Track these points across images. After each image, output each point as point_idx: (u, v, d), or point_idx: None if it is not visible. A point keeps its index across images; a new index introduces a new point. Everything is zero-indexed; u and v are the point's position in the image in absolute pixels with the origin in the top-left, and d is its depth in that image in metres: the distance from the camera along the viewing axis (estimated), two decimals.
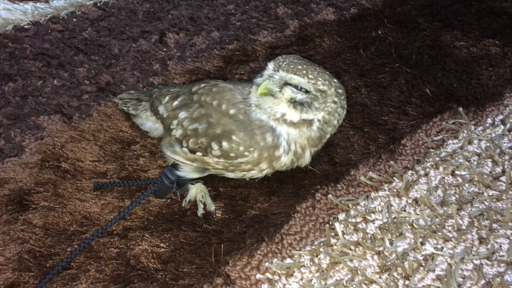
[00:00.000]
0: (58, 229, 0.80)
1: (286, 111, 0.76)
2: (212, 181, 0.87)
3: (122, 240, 0.79)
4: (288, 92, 0.75)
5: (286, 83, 0.75)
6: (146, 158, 0.91)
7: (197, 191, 0.84)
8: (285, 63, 0.75)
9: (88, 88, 1.06)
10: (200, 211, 0.82)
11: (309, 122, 0.77)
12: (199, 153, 0.79)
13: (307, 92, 0.75)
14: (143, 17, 1.28)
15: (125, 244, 0.78)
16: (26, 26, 1.21)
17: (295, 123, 0.77)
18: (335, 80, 0.78)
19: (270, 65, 0.76)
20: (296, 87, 0.75)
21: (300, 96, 0.75)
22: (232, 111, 0.77)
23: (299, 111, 0.76)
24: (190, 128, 0.79)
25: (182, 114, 0.81)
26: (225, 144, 0.76)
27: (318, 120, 0.77)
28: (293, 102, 0.76)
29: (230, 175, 0.83)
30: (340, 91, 0.78)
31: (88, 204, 0.83)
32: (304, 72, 0.74)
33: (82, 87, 1.06)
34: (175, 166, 0.84)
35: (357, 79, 1.10)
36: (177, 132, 0.81)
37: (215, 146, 0.77)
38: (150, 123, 0.91)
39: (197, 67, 1.13)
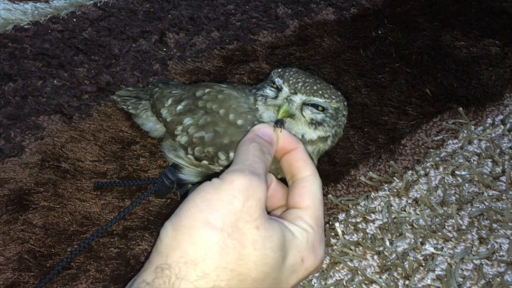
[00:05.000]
0: (58, 229, 0.80)
1: (306, 131, 0.76)
2: None
3: (122, 240, 0.79)
4: (309, 113, 0.75)
5: (304, 104, 0.75)
6: (146, 158, 0.91)
7: None
8: (300, 84, 0.74)
9: (88, 88, 1.06)
10: None
11: (325, 138, 0.77)
12: (205, 162, 0.79)
13: (323, 110, 0.75)
14: (143, 17, 1.28)
15: (125, 244, 0.78)
16: (26, 26, 1.21)
17: (313, 141, 0.77)
18: (338, 92, 0.79)
19: (286, 88, 0.75)
20: (314, 107, 0.75)
21: (319, 116, 0.75)
22: (240, 122, 0.76)
23: (318, 130, 0.76)
24: (196, 136, 0.78)
25: (187, 121, 0.79)
26: (232, 155, 0.75)
27: (332, 135, 0.78)
28: (314, 123, 0.76)
29: None
30: (345, 103, 0.79)
31: (88, 204, 0.83)
32: (320, 92, 0.74)
33: (82, 87, 1.06)
34: (175, 166, 0.84)
35: (357, 79, 1.10)
36: (182, 139, 0.80)
37: (222, 156, 0.76)
38: (150, 124, 0.90)
39: (197, 67, 1.13)
